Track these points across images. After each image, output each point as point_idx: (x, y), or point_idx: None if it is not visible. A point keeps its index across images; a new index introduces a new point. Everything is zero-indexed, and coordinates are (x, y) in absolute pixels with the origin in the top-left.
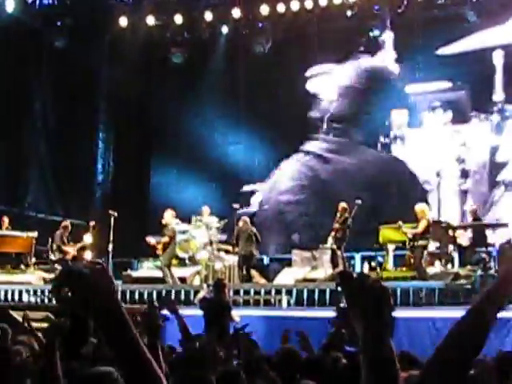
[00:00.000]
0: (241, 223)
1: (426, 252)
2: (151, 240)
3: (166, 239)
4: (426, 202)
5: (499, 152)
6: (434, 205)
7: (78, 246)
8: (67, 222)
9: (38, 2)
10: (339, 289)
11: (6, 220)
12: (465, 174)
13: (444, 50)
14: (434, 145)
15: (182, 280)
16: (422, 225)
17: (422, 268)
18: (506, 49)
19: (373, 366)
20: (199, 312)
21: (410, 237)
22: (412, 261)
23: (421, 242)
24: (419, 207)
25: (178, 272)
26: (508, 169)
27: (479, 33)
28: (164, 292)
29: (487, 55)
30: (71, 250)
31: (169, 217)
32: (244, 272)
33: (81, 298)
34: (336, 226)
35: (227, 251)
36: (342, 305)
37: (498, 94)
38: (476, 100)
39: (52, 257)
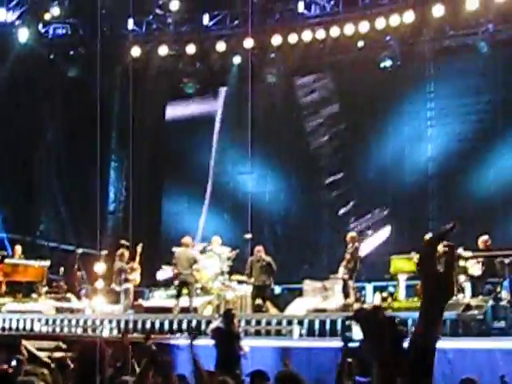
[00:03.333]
0: (255, 252)
1: None
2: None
3: None
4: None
5: None
6: None
7: (137, 265)
8: (121, 250)
9: (51, 32)
10: (348, 322)
11: (18, 249)
12: None
13: None
14: None
15: (194, 310)
16: None
17: None
18: None
19: None
20: (211, 342)
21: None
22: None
23: None
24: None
25: (185, 301)
26: None
27: None
28: (176, 321)
29: None
30: (137, 276)
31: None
32: (257, 302)
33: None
34: (347, 256)
35: (241, 281)
36: (346, 333)
37: None
38: None
39: (116, 288)
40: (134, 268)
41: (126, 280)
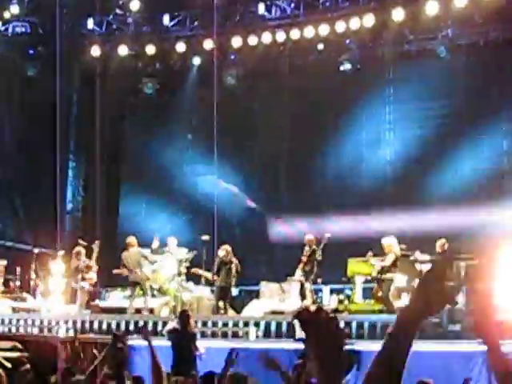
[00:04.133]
0: (222, 252)
1: (393, 285)
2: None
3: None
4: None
5: None
6: None
7: (94, 264)
8: (77, 249)
9: (10, 30)
10: (293, 321)
11: None
12: None
13: None
14: None
15: (151, 311)
16: (390, 258)
17: (390, 301)
18: None
19: None
20: (167, 343)
21: (378, 269)
22: (380, 294)
23: (388, 275)
24: (386, 241)
25: (139, 302)
26: None
27: None
28: (132, 322)
29: None
30: (93, 275)
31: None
32: (220, 304)
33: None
34: (304, 258)
35: (207, 279)
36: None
37: None
38: None
39: (73, 284)
40: (90, 266)
41: (83, 279)
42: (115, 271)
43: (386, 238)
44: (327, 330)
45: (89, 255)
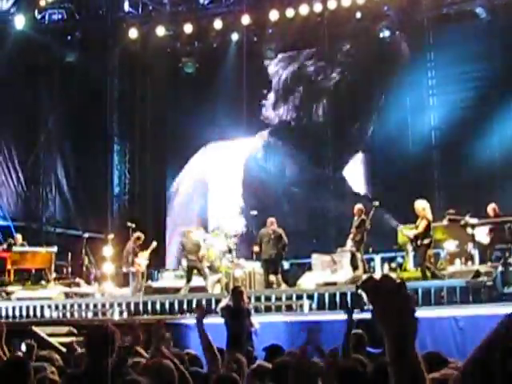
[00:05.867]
0: (268, 224)
1: (431, 250)
2: None
3: None
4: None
5: None
6: None
7: (147, 253)
8: (139, 234)
9: (47, 18)
10: (359, 291)
11: (19, 237)
12: None
13: None
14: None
15: (203, 289)
16: (423, 224)
17: (425, 268)
18: None
19: (401, 380)
20: (221, 320)
21: (411, 238)
22: (432, 260)
23: (424, 241)
24: (419, 204)
25: (198, 281)
26: None
27: None
28: (185, 301)
29: None
30: (142, 262)
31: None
32: (272, 278)
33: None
34: (354, 228)
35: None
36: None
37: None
38: None
39: (124, 269)
40: (142, 254)
41: (133, 262)
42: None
43: (419, 201)
44: (396, 296)
45: (145, 246)
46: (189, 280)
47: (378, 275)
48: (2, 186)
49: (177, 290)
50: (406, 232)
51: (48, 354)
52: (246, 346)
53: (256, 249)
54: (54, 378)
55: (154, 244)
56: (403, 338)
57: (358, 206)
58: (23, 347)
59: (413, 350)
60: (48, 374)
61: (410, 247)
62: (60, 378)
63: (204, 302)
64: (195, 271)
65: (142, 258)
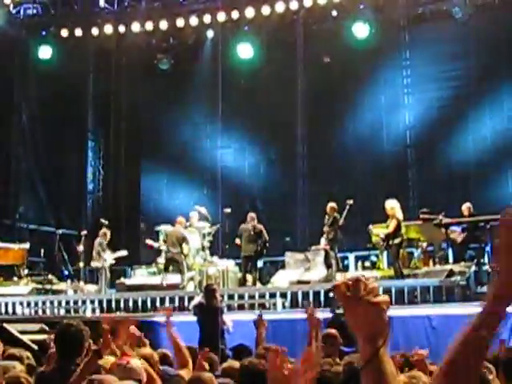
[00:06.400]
0: (248, 219)
1: (401, 249)
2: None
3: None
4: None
5: None
6: None
7: (115, 255)
8: (106, 230)
9: (22, 12)
10: (331, 295)
11: None
12: None
13: None
14: None
15: (175, 286)
16: (393, 224)
17: (397, 267)
18: None
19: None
20: (193, 318)
21: (382, 237)
22: (405, 259)
23: (395, 241)
24: (388, 204)
25: (172, 278)
26: None
27: None
28: (158, 299)
29: None
30: (108, 258)
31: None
32: (248, 276)
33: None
34: (326, 226)
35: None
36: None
37: None
38: None
39: (93, 264)
40: (108, 253)
41: (99, 257)
42: (148, 241)
43: (389, 201)
44: (367, 301)
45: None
46: (166, 271)
47: (350, 275)
48: None
49: (150, 287)
50: (376, 231)
51: (18, 353)
52: (218, 344)
53: (238, 241)
54: (24, 377)
55: (124, 253)
56: (374, 339)
57: (331, 204)
58: None
59: (384, 352)
60: (17, 372)
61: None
62: (30, 377)
63: (177, 301)
64: (171, 265)
65: (108, 256)
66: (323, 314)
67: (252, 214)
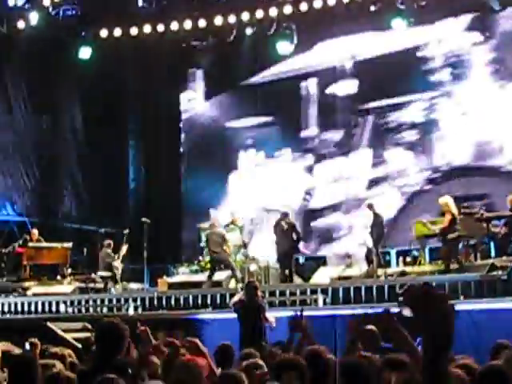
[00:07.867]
0: (281, 215)
1: (459, 244)
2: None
3: None
4: None
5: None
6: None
7: (120, 258)
8: (109, 241)
9: (61, 14)
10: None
11: (35, 232)
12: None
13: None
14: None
15: (218, 283)
16: (447, 218)
17: (450, 261)
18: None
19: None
20: (234, 315)
21: (438, 232)
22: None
23: (450, 236)
24: (443, 200)
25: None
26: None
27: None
28: (200, 296)
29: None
30: (119, 265)
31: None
32: (286, 272)
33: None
34: (368, 223)
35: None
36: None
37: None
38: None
39: (101, 273)
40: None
41: (110, 267)
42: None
43: (442, 198)
44: (439, 308)
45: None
46: (212, 273)
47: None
48: (18, 182)
49: (192, 285)
50: (430, 226)
51: (59, 351)
52: (259, 341)
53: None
54: (65, 375)
55: (124, 250)
56: (442, 348)
57: (369, 201)
58: (27, 346)
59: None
60: (57, 370)
61: (425, 241)
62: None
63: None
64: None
65: (119, 264)
66: (362, 310)
67: (285, 211)
